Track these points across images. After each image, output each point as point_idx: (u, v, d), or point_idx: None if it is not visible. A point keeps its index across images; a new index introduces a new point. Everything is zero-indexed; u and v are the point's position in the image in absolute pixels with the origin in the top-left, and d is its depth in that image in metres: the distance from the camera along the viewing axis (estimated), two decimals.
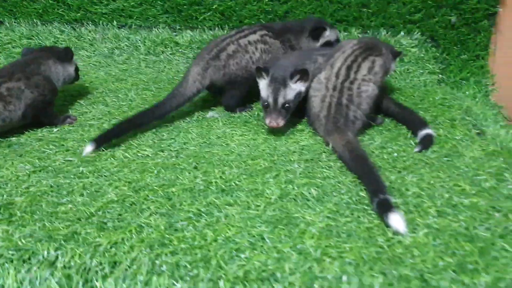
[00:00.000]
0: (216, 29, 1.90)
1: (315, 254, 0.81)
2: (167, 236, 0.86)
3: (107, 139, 1.23)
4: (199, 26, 1.91)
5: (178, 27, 1.93)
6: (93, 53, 1.97)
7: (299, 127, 1.37)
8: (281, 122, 1.25)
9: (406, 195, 0.99)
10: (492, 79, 1.75)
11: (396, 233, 0.86)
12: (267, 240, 0.85)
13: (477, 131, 1.27)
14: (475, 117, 1.38)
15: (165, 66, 1.89)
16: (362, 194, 1.00)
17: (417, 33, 1.74)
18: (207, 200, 0.98)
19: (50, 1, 2.00)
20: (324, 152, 1.21)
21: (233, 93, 1.46)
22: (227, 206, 0.96)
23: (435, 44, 1.75)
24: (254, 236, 0.86)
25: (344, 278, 0.76)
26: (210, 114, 1.46)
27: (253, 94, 1.45)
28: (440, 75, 1.75)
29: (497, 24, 1.75)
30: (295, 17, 1.81)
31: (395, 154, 1.17)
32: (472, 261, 0.79)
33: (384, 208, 0.90)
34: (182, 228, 0.89)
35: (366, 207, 0.95)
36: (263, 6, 1.82)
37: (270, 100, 1.26)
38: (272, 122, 1.25)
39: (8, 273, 0.80)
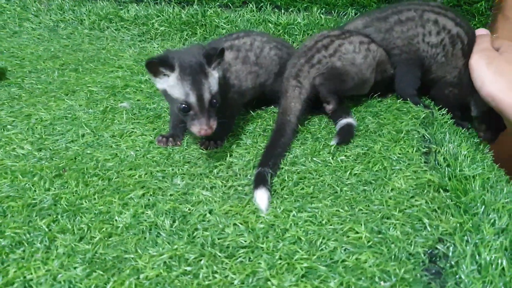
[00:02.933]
0: (163, 3, 1.66)
1: None
2: None
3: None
4: (145, 0, 1.68)
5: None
6: (38, 26, 1.81)
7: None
8: (214, 125, 0.93)
9: (282, 237, 0.77)
10: None
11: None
12: None
13: (425, 150, 0.99)
14: (431, 130, 1.09)
15: (108, 43, 1.69)
16: (228, 230, 0.79)
17: None
18: (40, 224, 0.80)
19: None
20: (222, 164, 0.99)
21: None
22: (57, 234, 0.78)
23: None
24: (59, 282, 0.69)
25: None
26: (123, 104, 1.27)
27: None
28: None
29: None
30: None
31: (302, 174, 0.94)
32: None
33: (257, 181, 0.88)
34: None
35: (219, 254, 0.74)
36: None
37: (193, 99, 0.91)
38: (207, 128, 0.91)
39: None
